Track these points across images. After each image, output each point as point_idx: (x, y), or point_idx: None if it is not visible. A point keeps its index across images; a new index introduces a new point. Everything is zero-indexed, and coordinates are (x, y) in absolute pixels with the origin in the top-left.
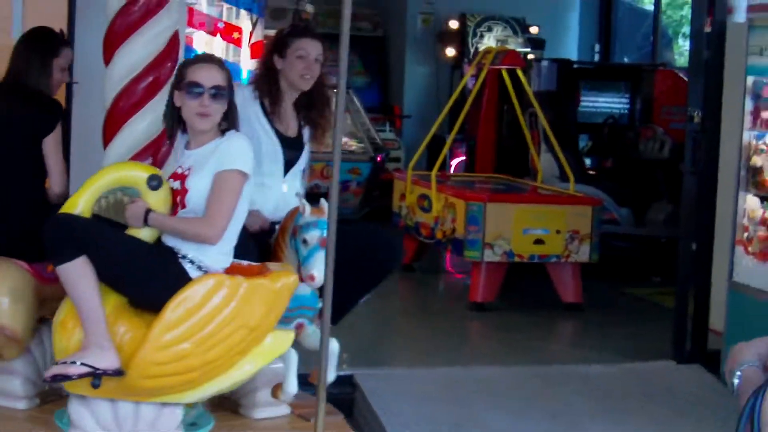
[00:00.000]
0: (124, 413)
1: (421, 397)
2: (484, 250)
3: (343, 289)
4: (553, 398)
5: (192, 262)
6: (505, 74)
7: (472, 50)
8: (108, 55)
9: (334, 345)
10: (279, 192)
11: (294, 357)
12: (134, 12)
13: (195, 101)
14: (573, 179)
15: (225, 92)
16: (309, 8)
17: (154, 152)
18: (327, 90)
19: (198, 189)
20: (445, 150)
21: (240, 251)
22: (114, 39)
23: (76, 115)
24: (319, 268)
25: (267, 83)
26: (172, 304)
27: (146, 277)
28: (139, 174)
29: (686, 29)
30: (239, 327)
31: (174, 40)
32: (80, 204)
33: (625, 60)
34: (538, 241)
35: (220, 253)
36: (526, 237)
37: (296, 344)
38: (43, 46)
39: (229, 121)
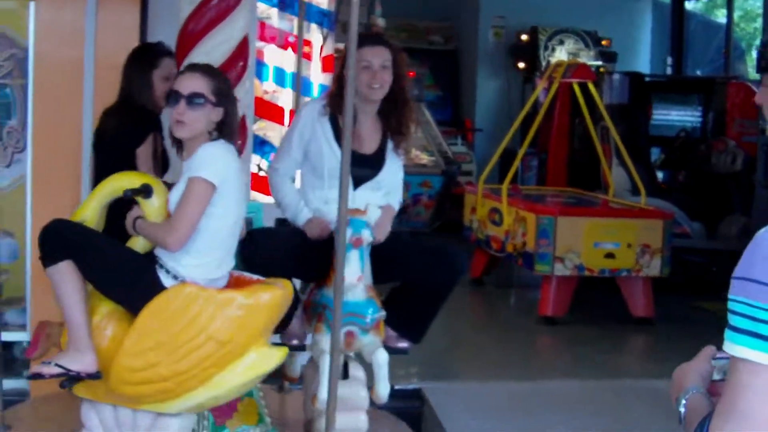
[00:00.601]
0: (123, 418)
1: (490, 412)
2: (555, 264)
3: (417, 305)
4: (623, 413)
5: (168, 271)
6: (576, 87)
7: (543, 63)
8: (180, 58)
9: (382, 356)
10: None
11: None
12: (205, 15)
13: (173, 108)
14: (644, 193)
15: (204, 100)
16: (380, 21)
17: None
18: (409, 99)
19: (174, 198)
20: (516, 163)
21: (295, 261)
22: (186, 42)
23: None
24: (350, 269)
25: (338, 99)
26: (145, 311)
27: (126, 283)
28: (132, 183)
29: (759, 42)
30: (208, 339)
31: (244, 43)
32: (85, 212)
33: (698, 73)
34: (609, 255)
35: (197, 264)
36: (596, 251)
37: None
38: (140, 60)
39: (223, 132)
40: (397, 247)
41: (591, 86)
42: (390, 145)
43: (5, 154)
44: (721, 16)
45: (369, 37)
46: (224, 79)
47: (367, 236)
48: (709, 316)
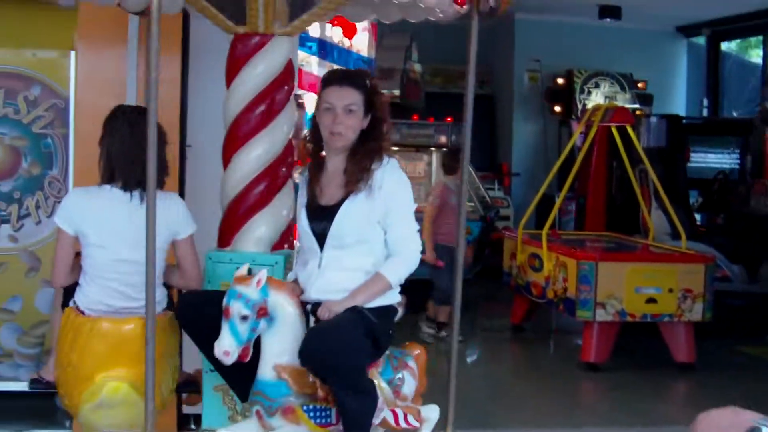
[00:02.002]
0: None
1: None
2: (596, 310)
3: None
4: None
5: (74, 302)
6: (614, 131)
7: (579, 107)
8: (227, 156)
9: (434, 413)
10: (313, 268)
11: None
12: (251, 120)
13: None
14: (685, 236)
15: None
16: (417, 67)
17: (272, 177)
18: (382, 145)
19: None
20: (556, 208)
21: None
22: (233, 65)
23: (190, 177)
24: (218, 342)
25: (311, 145)
26: None
27: None
28: None
29: None
30: (66, 363)
31: (288, 68)
32: None
33: (734, 114)
34: (651, 300)
35: (84, 294)
36: (638, 296)
37: None
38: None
39: (104, 175)
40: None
41: (629, 129)
42: (360, 191)
43: (47, 204)
44: (756, 57)
45: (337, 76)
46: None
47: (237, 309)
48: (752, 360)
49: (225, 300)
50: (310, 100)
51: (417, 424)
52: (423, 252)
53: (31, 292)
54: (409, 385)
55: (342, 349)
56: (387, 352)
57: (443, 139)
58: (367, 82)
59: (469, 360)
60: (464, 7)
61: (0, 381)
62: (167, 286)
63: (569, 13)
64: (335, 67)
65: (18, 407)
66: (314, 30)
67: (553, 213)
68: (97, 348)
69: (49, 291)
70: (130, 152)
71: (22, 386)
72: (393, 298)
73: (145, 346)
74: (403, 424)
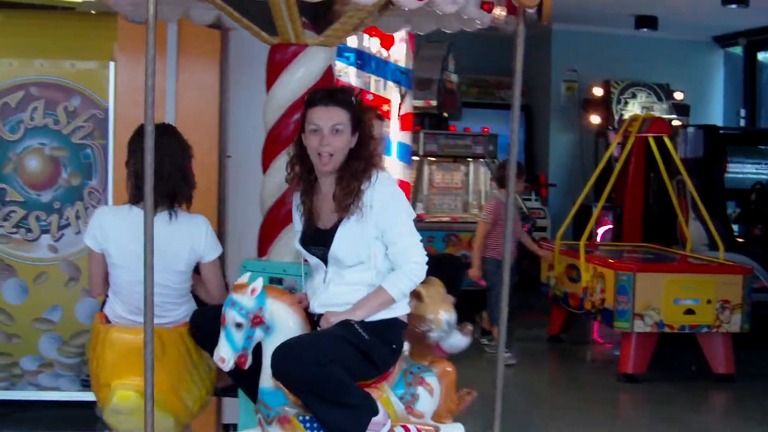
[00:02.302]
0: None
1: None
2: (635, 321)
3: None
4: None
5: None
6: (652, 142)
7: (616, 117)
8: (267, 162)
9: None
10: (319, 283)
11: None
12: (289, 126)
13: None
14: (722, 247)
15: None
16: (453, 78)
17: None
18: (371, 165)
19: None
20: (593, 219)
21: None
22: (272, 73)
23: (230, 187)
24: (216, 349)
25: (298, 167)
26: None
27: None
28: None
29: None
30: (92, 368)
31: (328, 74)
32: None
33: None
34: (689, 311)
35: (110, 305)
36: (676, 307)
37: None
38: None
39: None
40: None
41: (667, 140)
42: (352, 215)
43: (86, 214)
44: None
45: (322, 96)
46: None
47: (232, 316)
48: None
49: (223, 308)
50: None
51: None
52: (468, 266)
53: (71, 302)
54: (425, 401)
55: (312, 361)
56: (404, 366)
57: (480, 149)
58: (353, 98)
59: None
60: (495, 13)
61: (40, 390)
62: (198, 298)
63: (606, 23)
64: (373, 78)
65: (59, 416)
66: (352, 40)
67: (591, 224)
68: (109, 356)
69: (89, 301)
70: (159, 171)
71: (63, 395)
72: (397, 311)
73: (144, 353)
74: None
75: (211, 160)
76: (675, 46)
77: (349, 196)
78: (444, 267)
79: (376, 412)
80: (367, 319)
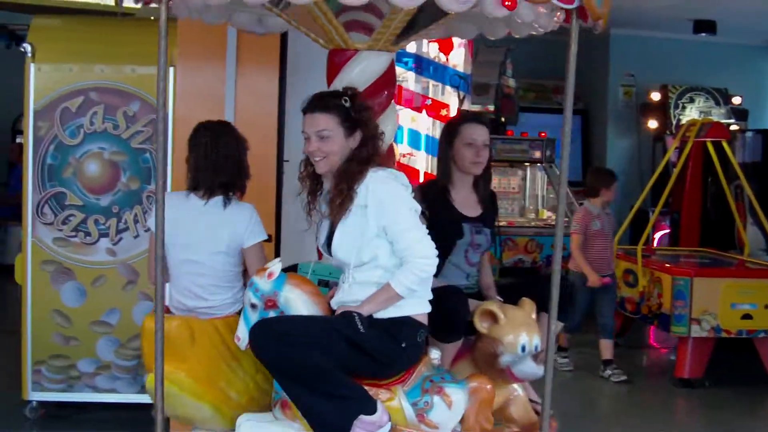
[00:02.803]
0: None
1: None
2: (691, 326)
3: None
4: None
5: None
6: (710, 146)
7: (674, 122)
8: (329, 82)
9: None
10: (342, 282)
11: None
12: (347, 52)
13: None
14: None
15: None
16: (511, 83)
17: None
18: (351, 165)
19: None
20: (650, 224)
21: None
22: (331, 76)
23: (289, 191)
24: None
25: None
26: None
27: None
28: None
29: None
30: None
31: (388, 74)
32: None
33: None
34: (746, 316)
35: (169, 296)
36: (733, 312)
37: None
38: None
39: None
40: None
41: (725, 145)
42: (347, 217)
43: (144, 218)
44: None
45: (308, 103)
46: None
47: (248, 297)
48: None
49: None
50: (405, 117)
51: None
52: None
53: (128, 305)
54: (440, 412)
55: (291, 341)
56: (425, 372)
57: (537, 154)
58: (344, 101)
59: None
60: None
61: (98, 392)
62: None
63: (664, 28)
64: (431, 82)
65: (116, 418)
66: (411, 46)
67: (648, 228)
68: (146, 345)
69: (146, 303)
70: (213, 162)
71: (120, 398)
72: (410, 309)
73: (155, 343)
74: None
75: (270, 164)
76: (733, 51)
77: (338, 197)
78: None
79: (370, 411)
80: (377, 316)
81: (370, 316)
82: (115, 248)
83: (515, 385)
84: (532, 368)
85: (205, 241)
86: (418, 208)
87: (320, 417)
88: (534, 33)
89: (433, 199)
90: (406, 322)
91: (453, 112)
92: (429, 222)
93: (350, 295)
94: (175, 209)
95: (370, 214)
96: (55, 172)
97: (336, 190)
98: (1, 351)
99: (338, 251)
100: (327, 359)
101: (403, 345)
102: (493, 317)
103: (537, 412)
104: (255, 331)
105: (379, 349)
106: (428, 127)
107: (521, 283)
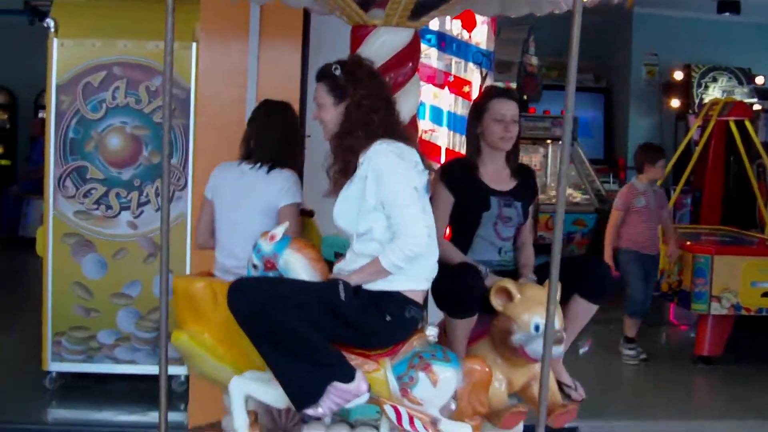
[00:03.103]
0: None
1: None
2: (711, 303)
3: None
4: None
5: None
6: (732, 126)
7: (696, 101)
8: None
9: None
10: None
11: None
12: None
13: None
14: None
15: None
16: (534, 61)
17: None
18: (342, 140)
19: None
20: (672, 202)
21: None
22: (353, 49)
23: (310, 166)
24: None
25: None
26: None
27: None
28: None
29: None
30: None
31: (412, 46)
32: None
33: None
34: (766, 294)
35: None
36: (754, 290)
37: None
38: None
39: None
40: None
41: (748, 124)
42: (346, 186)
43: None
44: None
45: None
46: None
47: (251, 257)
48: None
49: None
50: (427, 93)
51: None
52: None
53: (149, 277)
54: (424, 389)
55: (264, 300)
56: (417, 348)
57: (559, 131)
58: (334, 69)
59: (581, 351)
60: None
61: (117, 364)
62: None
63: (688, 7)
64: (454, 59)
65: (135, 389)
66: (434, 23)
67: (670, 206)
68: (175, 302)
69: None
70: (264, 135)
71: (139, 369)
72: (400, 285)
73: (160, 311)
74: (406, 426)
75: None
76: (757, 30)
77: (332, 166)
78: (579, 268)
79: (345, 379)
80: (366, 287)
81: (359, 287)
82: (136, 221)
83: (537, 365)
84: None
85: (245, 200)
86: (420, 186)
87: (291, 379)
88: (556, 11)
89: (462, 175)
90: (394, 296)
91: (475, 90)
92: (457, 198)
93: (348, 264)
94: (225, 175)
95: (369, 185)
96: (77, 145)
97: (331, 158)
98: (21, 323)
99: (338, 219)
100: (303, 323)
101: (388, 318)
102: (508, 295)
103: (569, 396)
104: (232, 288)
105: (359, 319)
106: (450, 103)
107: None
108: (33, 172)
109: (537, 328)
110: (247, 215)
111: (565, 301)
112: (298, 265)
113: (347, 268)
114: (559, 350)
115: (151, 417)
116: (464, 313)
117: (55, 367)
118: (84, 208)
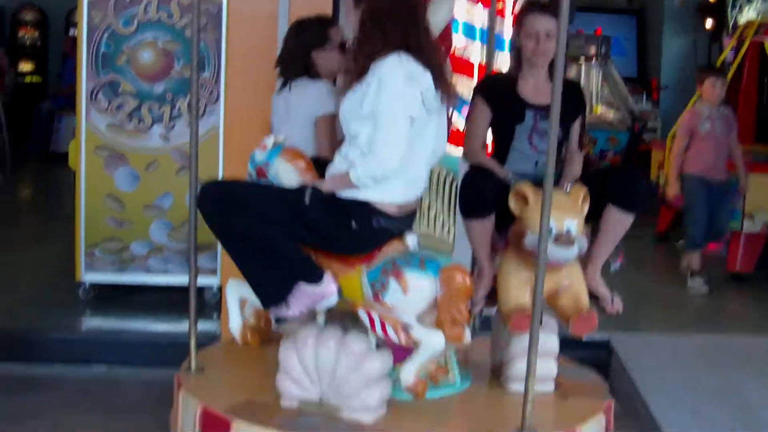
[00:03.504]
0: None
1: (677, 364)
2: (744, 221)
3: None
4: None
5: None
6: (767, 47)
7: (731, 22)
8: None
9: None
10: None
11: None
12: None
13: None
14: None
15: None
16: None
17: None
18: (357, 54)
19: None
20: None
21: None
22: None
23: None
24: None
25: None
26: None
27: None
28: None
29: None
30: None
31: (447, 31)
32: None
33: None
34: None
35: None
36: None
37: None
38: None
39: None
40: None
41: None
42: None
43: (199, 105)
44: None
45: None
46: None
47: (248, 167)
48: None
49: None
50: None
51: (396, 338)
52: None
53: (181, 189)
54: (395, 295)
55: (232, 203)
56: (395, 255)
57: (592, 50)
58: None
59: (612, 269)
60: None
61: (150, 274)
62: None
63: None
64: None
65: (167, 300)
66: None
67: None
68: None
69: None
70: (294, 53)
71: (171, 279)
72: (370, 195)
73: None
74: (378, 332)
75: None
76: None
77: (349, 68)
78: (612, 177)
79: (312, 280)
80: (338, 195)
81: (331, 194)
82: (168, 134)
83: (565, 274)
84: (553, 251)
85: (285, 116)
86: (415, 113)
87: (258, 279)
88: None
89: (499, 88)
90: (363, 205)
91: (509, 6)
92: (493, 111)
93: (336, 166)
94: (276, 98)
95: (370, 93)
96: (108, 60)
97: (350, 59)
98: (55, 235)
99: (342, 118)
100: (269, 225)
101: (354, 226)
102: (524, 198)
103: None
104: (203, 189)
105: (322, 224)
106: (483, 20)
107: (590, 173)
108: (65, 89)
109: (550, 231)
110: (288, 131)
111: (599, 214)
112: (290, 174)
113: (332, 170)
114: (568, 253)
115: (184, 326)
116: (474, 211)
117: (89, 278)
118: (116, 122)
